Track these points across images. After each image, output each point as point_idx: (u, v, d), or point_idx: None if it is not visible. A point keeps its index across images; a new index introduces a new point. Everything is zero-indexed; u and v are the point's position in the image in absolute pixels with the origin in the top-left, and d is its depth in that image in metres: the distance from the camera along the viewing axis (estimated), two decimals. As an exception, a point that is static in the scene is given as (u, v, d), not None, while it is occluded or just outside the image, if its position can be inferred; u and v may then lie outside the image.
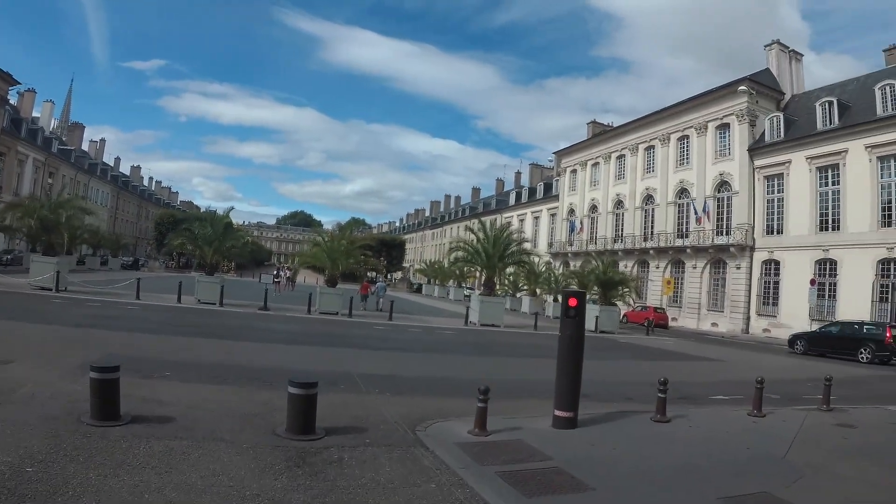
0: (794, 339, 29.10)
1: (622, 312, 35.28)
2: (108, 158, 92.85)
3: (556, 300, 43.91)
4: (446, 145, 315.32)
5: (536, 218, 72.70)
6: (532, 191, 77.85)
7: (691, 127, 47.19)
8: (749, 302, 41.28)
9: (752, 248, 41.38)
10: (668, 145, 49.68)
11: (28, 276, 23.79)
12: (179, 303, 22.93)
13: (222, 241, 25.40)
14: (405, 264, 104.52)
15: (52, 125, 77.48)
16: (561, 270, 52.16)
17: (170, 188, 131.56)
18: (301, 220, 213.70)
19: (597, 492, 5.27)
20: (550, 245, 65.51)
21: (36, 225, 24.98)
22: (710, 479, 5.93)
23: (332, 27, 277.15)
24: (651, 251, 49.52)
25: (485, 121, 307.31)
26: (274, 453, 5.49)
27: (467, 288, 67.95)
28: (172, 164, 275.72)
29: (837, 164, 36.54)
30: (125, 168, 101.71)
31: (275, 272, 44.58)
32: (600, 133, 62.38)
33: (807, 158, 38.32)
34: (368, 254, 28.74)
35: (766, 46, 46.33)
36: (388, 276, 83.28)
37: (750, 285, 41.32)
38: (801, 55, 47.26)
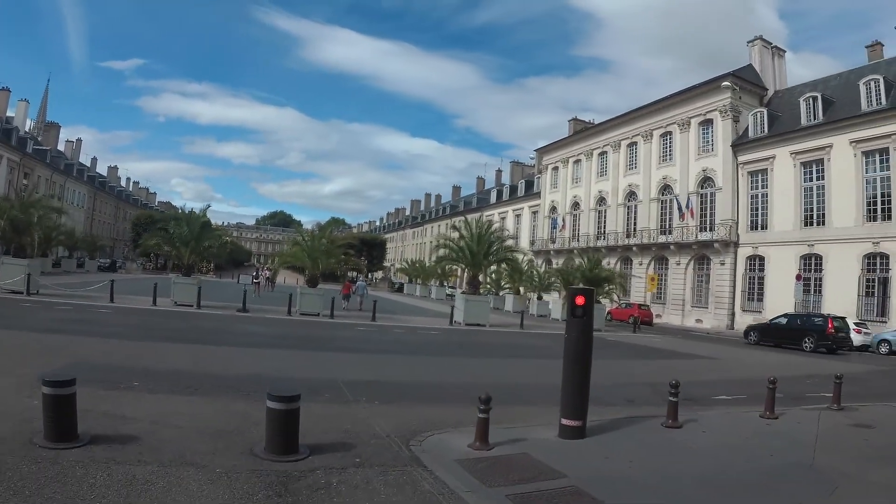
0: (748, 331, 30.90)
1: (606, 310, 34.83)
2: (85, 159, 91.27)
3: (539, 298, 43.58)
4: (426, 144, 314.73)
5: (518, 216, 72.25)
6: (513, 188, 77.44)
7: (674, 123, 46.95)
8: (734, 298, 41.15)
9: (737, 244, 41.23)
10: (650, 141, 49.41)
11: (-4, 279, 22.77)
12: (155, 305, 22.03)
13: (199, 240, 24.51)
14: (386, 263, 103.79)
15: (28, 126, 75.79)
16: (543, 268, 51.73)
17: (147, 189, 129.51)
18: (281, 221, 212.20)
19: (622, 516, 4.66)
20: (532, 243, 65.07)
21: (6, 226, 23.98)
22: (742, 494, 5.38)
23: (310, 26, 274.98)
24: (634, 248, 49.25)
25: (464, 120, 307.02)
26: (251, 480, 4.75)
27: (449, 287, 67.42)
28: (150, 165, 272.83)
29: (822, 160, 36.47)
30: (102, 169, 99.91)
31: (254, 273, 43.60)
32: (582, 130, 62.06)
33: (791, 154, 38.23)
34: (350, 253, 27.97)
35: (748, 42, 46.28)
36: (369, 276, 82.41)
37: (734, 281, 41.20)
38: (784, 51, 47.32)
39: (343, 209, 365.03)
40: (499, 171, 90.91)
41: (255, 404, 7.13)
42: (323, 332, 18.52)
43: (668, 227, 46.91)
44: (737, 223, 41.34)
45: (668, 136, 47.94)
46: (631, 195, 51.63)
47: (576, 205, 59.90)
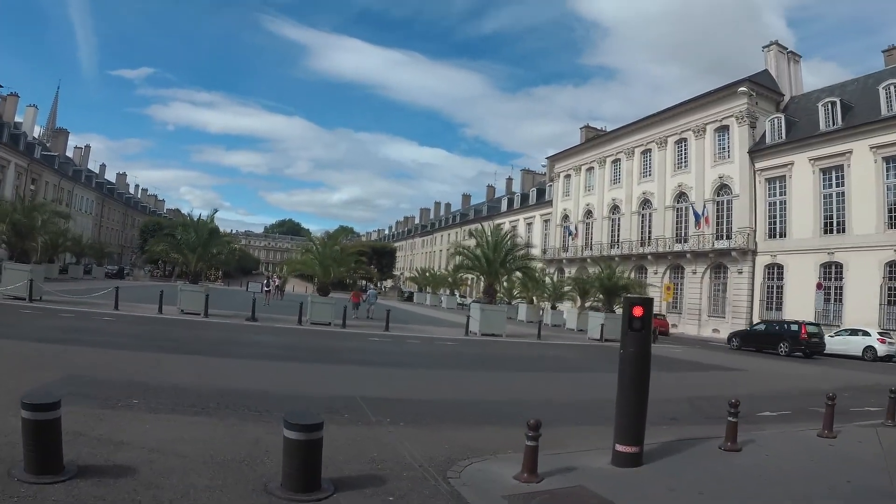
0: (731, 337, 32.58)
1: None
2: (94, 166, 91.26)
3: (553, 308, 42.76)
4: (434, 153, 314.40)
5: (529, 224, 71.41)
6: (524, 196, 76.64)
7: (689, 129, 46.16)
8: (752, 307, 40.21)
9: (754, 252, 40.35)
10: (665, 148, 48.60)
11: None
12: (161, 313, 21.34)
13: (206, 247, 23.79)
14: (395, 272, 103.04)
15: (38, 133, 76.02)
16: (556, 277, 50.92)
17: (156, 196, 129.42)
18: (289, 229, 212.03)
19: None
20: (544, 251, 64.15)
21: (8, 230, 23.32)
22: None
23: (319, 35, 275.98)
24: (649, 256, 48.32)
25: (472, 129, 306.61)
26: (267, 526, 3.97)
27: (460, 296, 66.74)
28: (159, 173, 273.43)
29: (841, 165, 35.70)
30: (111, 175, 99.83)
31: (265, 281, 42.92)
32: (594, 137, 61.30)
33: (810, 160, 37.44)
34: (363, 261, 27.19)
35: (764, 48, 45.54)
36: (378, 285, 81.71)
37: (752, 290, 40.30)
38: (800, 56, 46.60)
39: (351, 218, 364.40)
40: (509, 180, 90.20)
41: (267, 427, 6.38)
42: (336, 343, 17.71)
43: (683, 235, 46.03)
44: (754, 231, 40.48)
45: (683, 143, 47.12)
46: (645, 203, 50.78)
47: (589, 213, 59.06)
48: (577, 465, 5.93)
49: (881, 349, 27.47)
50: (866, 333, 28.75)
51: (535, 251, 64.12)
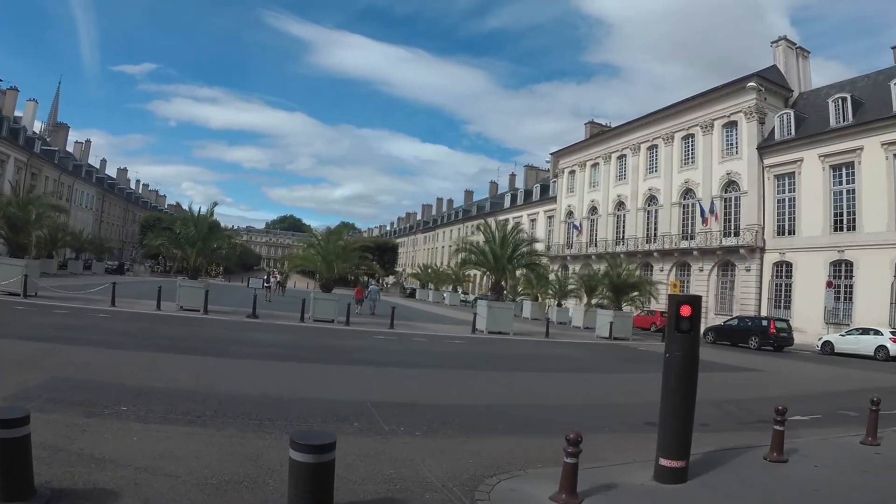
0: (706, 331, 32.82)
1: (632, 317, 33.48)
2: (95, 161, 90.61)
3: (559, 305, 42.14)
4: (436, 150, 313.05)
5: (533, 220, 70.75)
6: (528, 193, 75.95)
7: (696, 125, 45.50)
8: (760, 305, 39.58)
9: (763, 250, 39.72)
10: (671, 144, 47.92)
11: (-7, 280, 21.48)
12: (159, 310, 20.72)
13: (206, 241, 23.13)
14: (397, 268, 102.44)
15: (39, 128, 75.51)
16: (560, 274, 50.26)
17: (157, 191, 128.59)
18: (290, 225, 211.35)
19: None
20: (548, 248, 63.38)
21: (3, 224, 22.70)
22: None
23: (321, 31, 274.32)
24: (655, 253, 47.68)
25: (475, 125, 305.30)
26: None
27: (462, 293, 66.16)
28: (161, 169, 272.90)
29: (852, 162, 35.10)
30: (111, 170, 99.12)
31: (265, 276, 42.26)
32: (599, 133, 60.59)
33: (820, 156, 36.82)
34: (368, 256, 26.55)
35: (772, 43, 44.96)
36: (381, 281, 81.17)
37: (760, 288, 39.67)
38: (808, 52, 45.85)
39: (353, 214, 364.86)
40: (513, 175, 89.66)
41: (269, 439, 5.77)
42: (340, 342, 17.06)
43: (690, 232, 45.38)
44: (763, 228, 39.83)
45: (691, 139, 46.46)
46: (651, 199, 50.11)
47: (593, 209, 58.37)
48: (617, 481, 5.32)
49: (893, 349, 26.81)
50: (878, 332, 28.10)
51: (539, 247, 63.72)
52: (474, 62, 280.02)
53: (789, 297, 38.06)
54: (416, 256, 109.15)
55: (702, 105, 45.43)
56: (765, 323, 30.79)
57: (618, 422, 8.41)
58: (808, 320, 35.58)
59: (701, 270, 43.78)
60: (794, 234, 38.25)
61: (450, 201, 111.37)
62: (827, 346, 29.35)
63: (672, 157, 47.83)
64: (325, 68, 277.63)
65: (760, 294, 39.51)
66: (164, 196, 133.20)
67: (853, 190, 34.95)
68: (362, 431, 6.64)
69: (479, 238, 28.58)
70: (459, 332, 23.89)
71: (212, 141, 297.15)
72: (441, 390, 10.48)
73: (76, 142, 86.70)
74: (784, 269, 38.75)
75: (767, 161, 40.21)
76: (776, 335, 29.60)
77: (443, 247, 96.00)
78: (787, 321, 32.18)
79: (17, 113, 64.80)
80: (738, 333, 31.43)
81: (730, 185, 42.51)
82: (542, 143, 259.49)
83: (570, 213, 62.20)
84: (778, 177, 39.73)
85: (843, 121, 36.14)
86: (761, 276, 39.69)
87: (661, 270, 46.74)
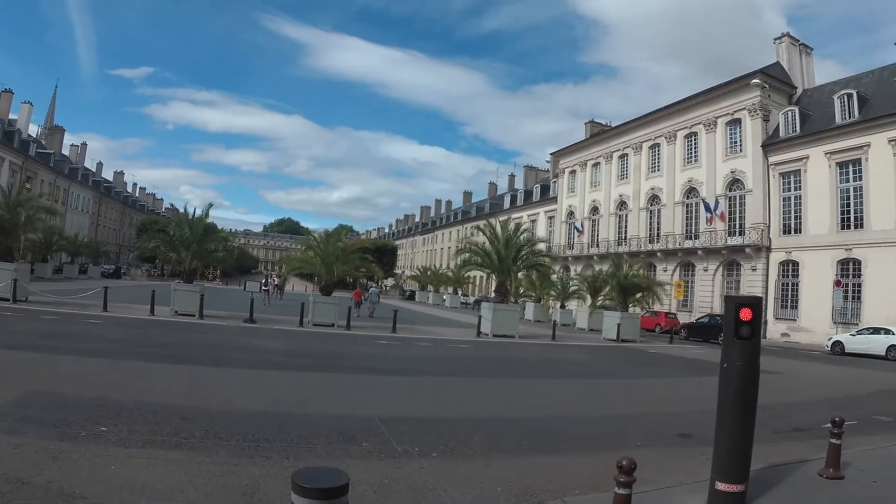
0: (681, 328, 35.06)
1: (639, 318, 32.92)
2: (91, 164, 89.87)
3: (562, 307, 41.48)
4: (434, 152, 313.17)
5: (533, 221, 70.04)
6: (528, 193, 75.30)
7: (699, 123, 44.94)
8: (766, 305, 38.89)
9: (769, 249, 39.14)
10: (674, 143, 47.33)
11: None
12: (153, 315, 20.00)
13: (202, 243, 22.38)
14: (396, 270, 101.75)
15: (36, 132, 74.75)
16: (562, 275, 49.60)
17: (154, 194, 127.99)
18: (288, 228, 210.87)
19: None
20: (549, 249, 62.69)
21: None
22: None
23: (318, 34, 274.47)
24: (658, 253, 47.03)
25: (472, 127, 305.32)
26: None
27: (463, 295, 65.60)
28: (159, 172, 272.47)
29: (859, 159, 34.60)
30: (108, 174, 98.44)
31: (263, 280, 41.53)
32: (599, 133, 60.05)
33: (826, 154, 36.31)
34: (368, 258, 25.82)
35: (775, 40, 44.47)
36: (380, 283, 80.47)
37: (767, 287, 39.02)
38: (811, 49, 45.25)
39: (351, 216, 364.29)
40: (512, 176, 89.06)
41: (266, 466, 5.06)
42: (342, 348, 16.33)
43: (694, 231, 44.76)
44: (768, 227, 39.27)
45: (693, 137, 45.88)
46: (654, 199, 49.49)
47: (595, 209, 57.74)
48: (668, 510, 4.64)
49: None
50: (889, 332, 27.48)
51: (541, 248, 63.07)
52: (471, 64, 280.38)
53: (796, 296, 37.49)
54: (415, 258, 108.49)
55: (704, 103, 44.86)
56: None
57: (648, 434, 7.73)
58: (815, 320, 35.03)
59: (706, 270, 43.17)
60: (800, 232, 37.68)
61: (448, 203, 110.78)
62: (837, 345, 28.73)
63: (675, 155, 47.24)
64: (322, 71, 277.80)
65: (767, 294, 38.85)
66: (162, 199, 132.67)
67: (860, 187, 34.45)
68: (372, 454, 5.86)
69: (482, 238, 27.86)
70: (464, 336, 23.18)
71: (209, 144, 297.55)
72: (453, 401, 9.65)
73: (72, 145, 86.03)
74: (790, 269, 38.17)
75: (772, 159, 39.63)
76: None
77: (442, 248, 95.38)
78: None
79: (13, 116, 64.14)
80: (708, 330, 32.41)
81: (734, 183, 41.92)
82: (540, 144, 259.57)
83: (571, 214, 61.58)
84: (783, 175, 39.16)
85: (850, 117, 35.65)
86: (767, 276, 39.10)
87: (665, 271, 46.10)
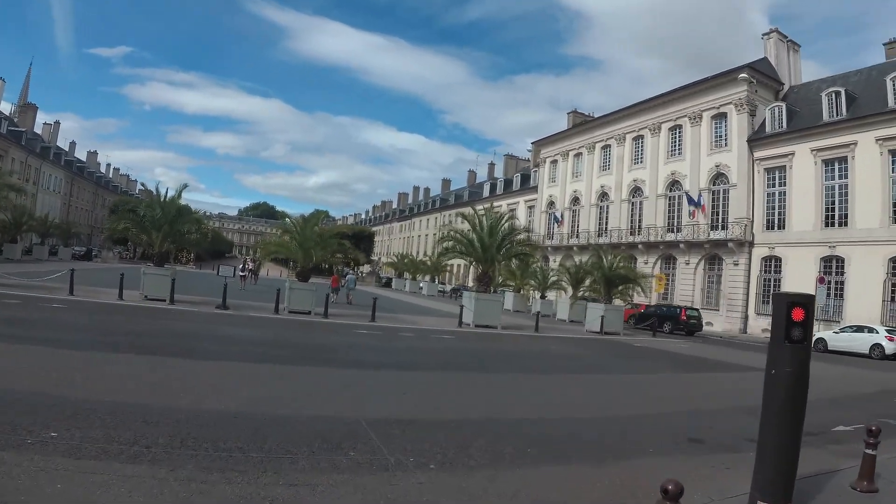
0: (630, 317, 35.20)
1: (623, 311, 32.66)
2: (64, 143, 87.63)
3: (542, 297, 41.05)
4: (412, 139, 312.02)
5: (513, 210, 69.30)
6: (508, 182, 74.72)
7: (685, 116, 44.66)
8: (747, 300, 39.01)
9: (751, 244, 39.04)
10: (658, 135, 46.99)
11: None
12: (121, 299, 19.05)
13: (174, 225, 21.38)
14: (373, 257, 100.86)
15: (9, 110, 72.54)
16: (540, 265, 49.10)
17: (128, 176, 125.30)
18: (264, 212, 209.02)
19: None
20: (529, 238, 62.18)
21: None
22: None
23: (299, 17, 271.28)
24: (640, 246, 46.77)
25: (452, 116, 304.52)
26: None
27: (440, 283, 65.08)
28: (134, 154, 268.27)
29: (845, 157, 34.56)
30: (81, 154, 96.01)
31: (240, 265, 40.44)
32: (582, 123, 59.60)
33: (812, 150, 36.22)
34: (346, 244, 24.98)
35: (763, 35, 44.41)
36: (356, 270, 79.57)
37: (748, 283, 39.00)
38: (799, 46, 45.14)
39: (327, 202, 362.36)
40: (492, 165, 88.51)
41: (240, 484, 4.25)
42: (320, 338, 15.49)
43: (676, 224, 44.51)
44: (752, 222, 39.15)
45: (678, 130, 45.59)
46: (636, 191, 49.17)
47: (576, 200, 57.35)
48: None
49: (889, 347, 26.10)
50: (872, 330, 27.39)
51: (521, 237, 62.56)
52: (454, 52, 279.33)
53: (778, 292, 37.30)
54: (392, 245, 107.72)
55: (690, 96, 44.57)
56: (677, 310, 35.11)
57: (659, 439, 7.11)
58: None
59: (687, 264, 42.97)
60: (784, 228, 37.62)
61: (426, 190, 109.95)
62: (820, 343, 28.46)
63: (659, 147, 46.93)
64: (302, 55, 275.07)
65: (748, 289, 38.86)
66: (136, 181, 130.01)
67: (846, 185, 34.44)
68: (362, 465, 5.02)
69: (464, 226, 27.20)
70: (445, 326, 22.46)
71: (186, 126, 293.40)
72: (445, 400, 8.80)
73: (45, 123, 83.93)
74: (773, 264, 38.12)
75: (758, 154, 39.46)
76: (686, 321, 33.80)
77: (419, 236, 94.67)
78: (697, 310, 36.39)
79: (-18, 93, 62.17)
80: (656, 319, 32.56)
81: (718, 177, 41.71)
82: (520, 134, 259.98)
83: (551, 204, 61.15)
84: (768, 170, 39.03)
85: (837, 115, 35.58)
86: (749, 271, 39.01)
87: (646, 263, 45.84)
